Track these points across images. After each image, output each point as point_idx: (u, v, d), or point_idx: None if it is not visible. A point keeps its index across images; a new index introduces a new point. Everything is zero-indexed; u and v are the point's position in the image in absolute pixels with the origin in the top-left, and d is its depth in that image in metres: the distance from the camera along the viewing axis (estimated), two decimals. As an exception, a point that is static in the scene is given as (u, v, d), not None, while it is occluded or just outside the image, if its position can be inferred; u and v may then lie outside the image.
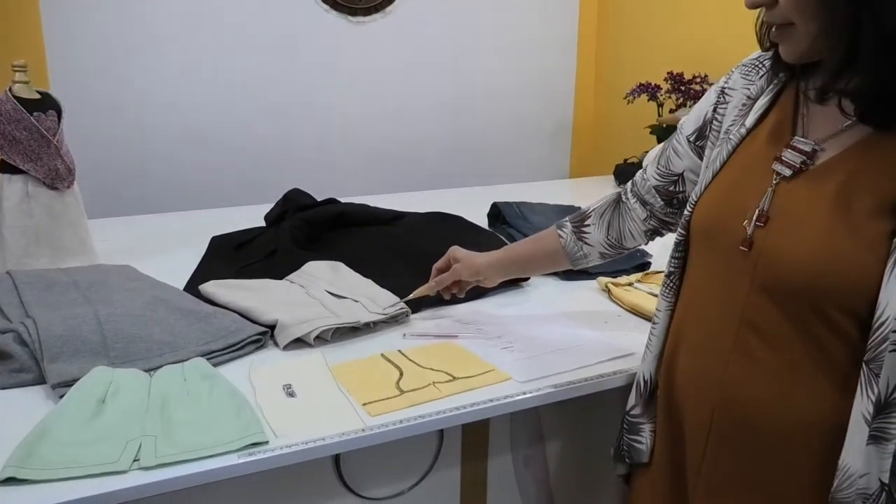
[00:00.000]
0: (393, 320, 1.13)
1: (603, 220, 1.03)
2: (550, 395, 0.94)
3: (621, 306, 1.23)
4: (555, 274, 1.36)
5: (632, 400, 0.92)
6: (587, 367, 0.99)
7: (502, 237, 1.59)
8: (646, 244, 1.03)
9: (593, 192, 2.30)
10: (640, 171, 0.99)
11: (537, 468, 1.08)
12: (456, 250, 1.14)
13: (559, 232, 1.06)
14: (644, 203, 0.98)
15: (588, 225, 1.04)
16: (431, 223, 1.63)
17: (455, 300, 1.20)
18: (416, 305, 1.17)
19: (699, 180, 0.84)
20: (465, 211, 1.71)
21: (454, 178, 2.63)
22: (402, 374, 0.96)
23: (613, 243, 1.03)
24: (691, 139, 0.90)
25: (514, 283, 1.30)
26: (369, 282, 1.24)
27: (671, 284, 0.85)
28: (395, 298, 1.16)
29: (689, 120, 0.91)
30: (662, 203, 0.96)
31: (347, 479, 0.92)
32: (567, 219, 1.07)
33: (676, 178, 0.93)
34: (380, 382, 0.94)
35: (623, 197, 1.01)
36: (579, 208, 1.73)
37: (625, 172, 2.31)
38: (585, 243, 1.04)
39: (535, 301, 1.27)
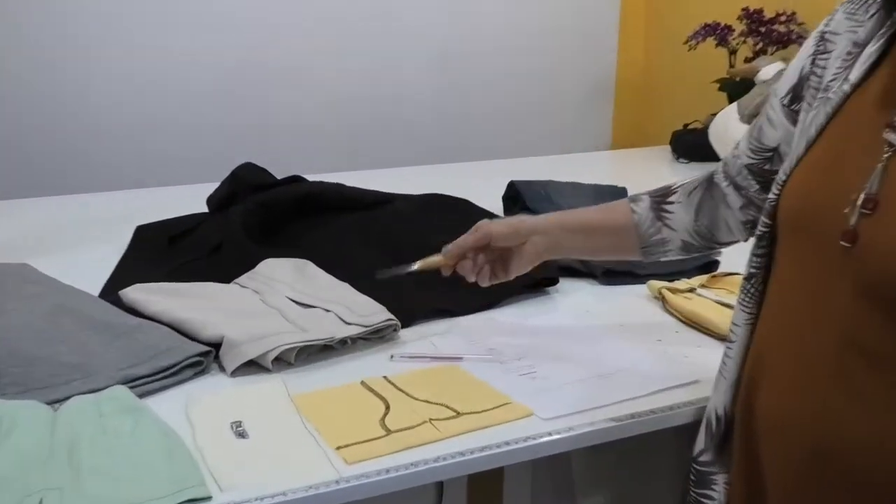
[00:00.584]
0: (377, 335, 1.13)
1: (692, 199, 1.03)
2: (585, 437, 0.93)
3: (680, 319, 1.22)
4: (591, 276, 1.36)
5: (700, 443, 0.92)
6: (635, 400, 0.99)
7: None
8: (745, 240, 1.02)
9: (643, 167, 2.33)
10: (734, 146, 0.99)
11: (568, 533, 1.08)
12: (485, 220, 1.11)
13: (632, 206, 1.06)
14: (738, 187, 0.98)
15: (672, 202, 1.04)
16: (428, 209, 1.63)
17: (469, 305, 1.18)
18: (410, 317, 1.17)
19: (790, 153, 0.84)
20: (474, 192, 1.71)
21: (458, 150, 2.63)
22: (388, 408, 0.96)
23: (703, 232, 1.03)
24: (785, 102, 0.90)
25: (537, 288, 1.30)
26: (345, 285, 1.24)
27: (752, 291, 0.85)
28: (379, 307, 1.15)
29: (785, 78, 0.91)
30: (758, 187, 0.96)
31: (316, 547, 0.91)
32: (645, 192, 1.06)
33: (771, 153, 0.93)
34: (359, 419, 0.94)
35: (715, 178, 1.02)
36: (624, 189, 1.76)
37: (685, 142, 2.31)
38: (666, 225, 1.03)
39: (565, 311, 1.26)
